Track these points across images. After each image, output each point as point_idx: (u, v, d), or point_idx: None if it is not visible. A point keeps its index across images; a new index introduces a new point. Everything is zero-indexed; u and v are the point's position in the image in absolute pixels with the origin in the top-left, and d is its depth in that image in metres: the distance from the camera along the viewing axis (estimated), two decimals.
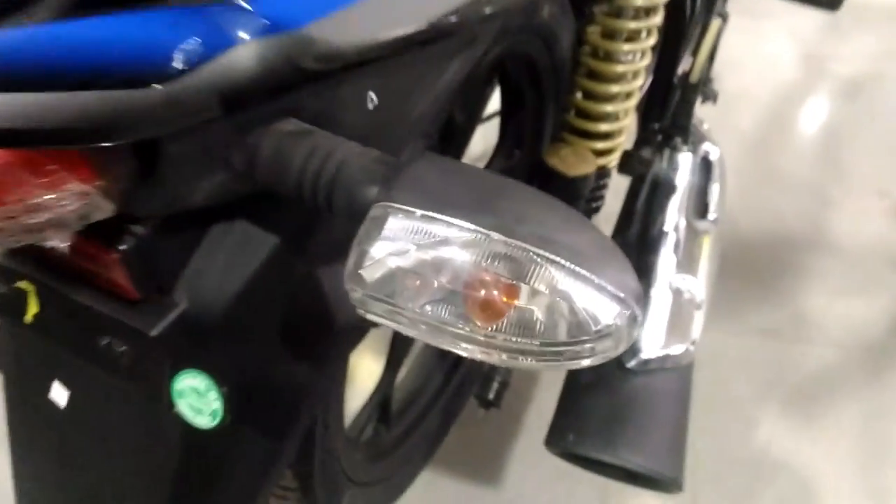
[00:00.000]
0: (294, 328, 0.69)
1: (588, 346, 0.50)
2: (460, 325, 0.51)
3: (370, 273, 0.52)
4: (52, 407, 0.71)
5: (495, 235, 0.49)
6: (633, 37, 1.04)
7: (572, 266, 0.49)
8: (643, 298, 0.51)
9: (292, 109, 0.58)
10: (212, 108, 0.50)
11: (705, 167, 1.31)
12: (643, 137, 1.30)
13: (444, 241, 0.50)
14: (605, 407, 1.03)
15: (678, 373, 1.09)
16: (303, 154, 0.56)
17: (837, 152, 2.17)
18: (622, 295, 0.49)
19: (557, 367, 0.53)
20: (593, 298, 0.49)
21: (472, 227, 0.50)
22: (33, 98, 0.45)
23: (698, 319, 1.13)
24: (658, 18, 1.04)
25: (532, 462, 1.46)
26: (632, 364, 1.06)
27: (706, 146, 1.33)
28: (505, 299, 0.50)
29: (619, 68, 1.06)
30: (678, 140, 1.30)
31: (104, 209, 0.51)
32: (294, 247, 0.66)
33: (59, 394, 0.71)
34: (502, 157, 1.21)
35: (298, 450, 0.91)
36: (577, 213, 0.54)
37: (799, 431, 1.51)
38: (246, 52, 0.49)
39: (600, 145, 1.10)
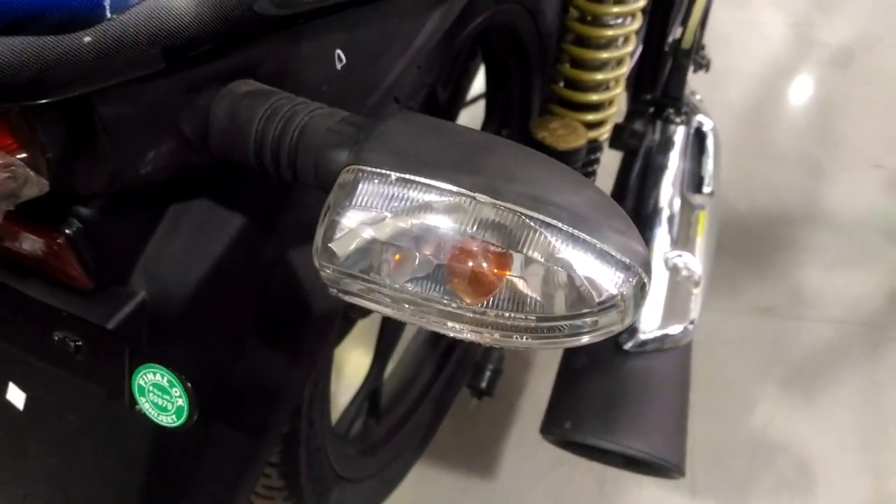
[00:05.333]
0: (266, 317, 0.64)
1: (590, 319, 0.45)
2: (447, 302, 0.46)
3: (342, 246, 0.46)
4: (8, 410, 0.65)
5: (481, 197, 0.44)
6: None
7: (570, 229, 0.43)
8: (650, 264, 0.45)
9: (248, 68, 0.53)
10: (150, 59, 0.44)
11: (699, 139, 1.27)
12: (634, 110, 1.25)
13: (424, 207, 0.45)
14: (603, 391, 0.98)
15: (677, 354, 1.04)
16: (261, 117, 0.50)
17: (830, 123, 2.12)
18: (627, 261, 0.44)
19: (557, 345, 0.47)
20: (595, 266, 0.44)
21: (455, 188, 0.44)
22: None
23: (697, 297, 1.09)
24: None
25: (527, 451, 1.41)
26: (629, 346, 1.01)
27: (699, 118, 1.28)
28: (495, 271, 0.45)
29: (609, 32, 1.01)
30: (671, 111, 1.25)
31: (35, 185, 0.45)
32: (262, 227, 0.60)
33: (16, 396, 0.65)
34: None
35: (283, 449, 0.86)
36: (573, 171, 0.48)
37: (798, 410, 1.48)
38: None
39: (591, 117, 1.05)
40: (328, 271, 0.47)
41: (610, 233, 0.44)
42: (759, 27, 2.35)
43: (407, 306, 0.47)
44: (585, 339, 0.46)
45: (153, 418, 0.57)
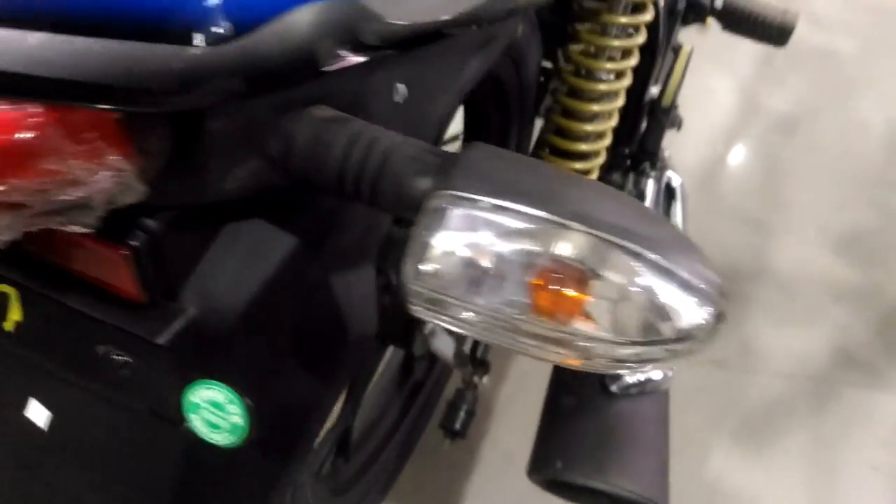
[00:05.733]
0: (305, 340, 0.64)
1: (671, 346, 0.47)
2: (532, 322, 0.47)
3: (431, 266, 0.47)
4: (28, 429, 0.63)
5: (573, 225, 0.46)
6: (615, 55, 1.04)
7: (656, 258, 0.46)
8: (728, 296, 0.48)
9: (326, 94, 0.54)
10: (273, 77, 0.45)
11: (668, 194, 1.32)
12: (613, 162, 1.30)
13: (515, 232, 0.47)
14: (592, 432, 0.99)
15: (658, 398, 1.07)
16: (343, 142, 0.51)
17: (778, 186, 2.21)
18: (709, 290, 0.46)
19: (632, 370, 0.49)
20: (679, 295, 0.46)
21: (547, 215, 0.46)
22: (72, 43, 0.39)
23: None
24: (640, 38, 1.04)
25: (488, 495, 1.41)
26: (614, 388, 1.03)
27: (669, 173, 1.33)
28: (579, 295, 0.47)
29: (601, 87, 1.05)
30: (646, 165, 1.30)
31: (134, 192, 0.46)
32: (309, 249, 0.61)
33: (37, 414, 0.63)
34: None
35: None
36: (646, 206, 0.51)
37: (750, 461, 1.52)
38: (308, 16, 0.45)
39: (580, 165, 1.09)
40: (416, 289, 0.48)
41: (692, 264, 0.47)
42: (710, 94, 2.45)
43: (488, 324, 0.48)
44: (663, 365, 0.49)
45: (203, 436, 0.56)
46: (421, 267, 0.47)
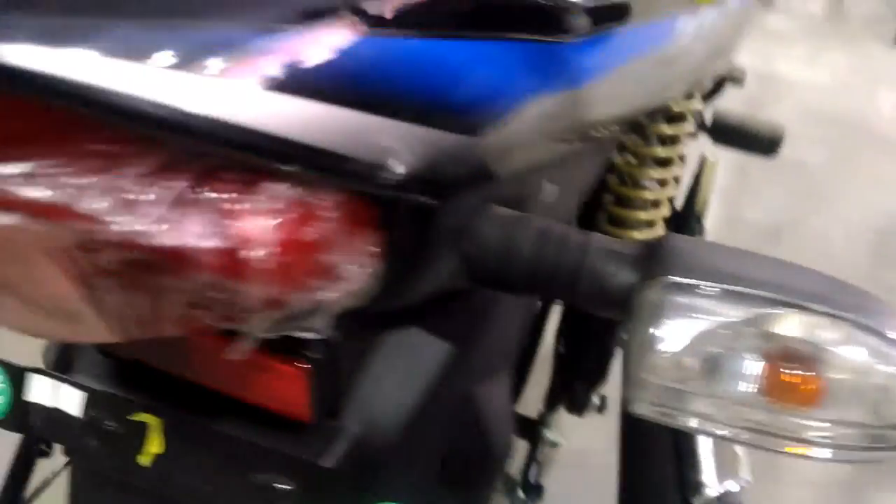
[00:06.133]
0: (454, 456, 0.60)
1: None
2: (766, 409, 0.45)
3: (663, 360, 0.45)
4: None
5: (813, 306, 0.44)
6: (660, 163, 1.05)
7: None
8: None
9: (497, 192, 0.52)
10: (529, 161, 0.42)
11: None
12: None
13: (743, 316, 0.44)
14: None
15: None
16: (532, 240, 0.49)
17: None
18: None
19: (874, 460, 0.46)
20: None
21: (782, 297, 0.44)
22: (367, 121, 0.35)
23: (743, 455, 1.08)
24: (682, 147, 1.06)
25: None
26: (697, 502, 0.99)
27: None
28: (816, 377, 0.45)
29: (647, 195, 1.06)
30: None
31: (365, 294, 0.41)
32: (459, 359, 0.58)
33: None
34: None
35: None
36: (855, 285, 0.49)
37: None
38: (542, 110, 0.43)
39: None
40: (650, 384, 0.45)
41: None
42: None
43: (719, 416, 0.46)
44: None
45: None
46: (653, 361, 0.44)
